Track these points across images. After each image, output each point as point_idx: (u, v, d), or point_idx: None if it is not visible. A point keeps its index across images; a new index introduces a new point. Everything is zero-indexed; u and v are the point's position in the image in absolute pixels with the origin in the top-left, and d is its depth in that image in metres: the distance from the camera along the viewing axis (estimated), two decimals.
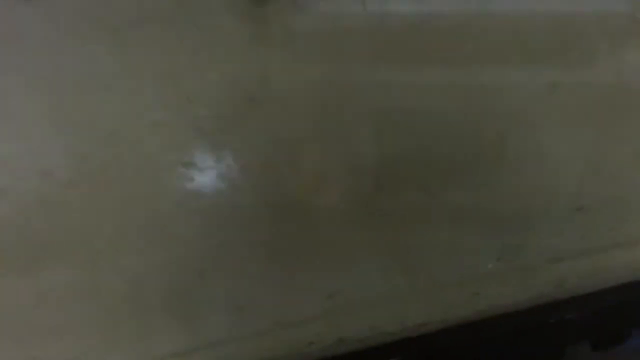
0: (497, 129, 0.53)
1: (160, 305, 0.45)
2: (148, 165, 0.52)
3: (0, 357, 0.46)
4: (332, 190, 0.50)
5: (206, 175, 0.52)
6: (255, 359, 0.46)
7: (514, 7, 0.63)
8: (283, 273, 0.47)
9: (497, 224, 0.46)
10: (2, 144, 0.49)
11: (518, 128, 0.54)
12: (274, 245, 0.47)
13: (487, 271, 0.42)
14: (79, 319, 0.44)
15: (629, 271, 0.48)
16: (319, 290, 0.43)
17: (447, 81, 0.58)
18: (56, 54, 0.60)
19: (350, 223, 0.49)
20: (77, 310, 0.44)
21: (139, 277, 0.44)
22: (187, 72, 0.59)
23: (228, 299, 0.44)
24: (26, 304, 0.45)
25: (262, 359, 0.46)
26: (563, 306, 0.44)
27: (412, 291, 0.43)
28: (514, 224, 0.46)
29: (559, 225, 0.46)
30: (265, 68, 0.58)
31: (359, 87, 0.59)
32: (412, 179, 0.51)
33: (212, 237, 0.47)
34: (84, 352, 0.46)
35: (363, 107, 0.57)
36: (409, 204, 0.48)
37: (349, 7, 0.64)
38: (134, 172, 0.51)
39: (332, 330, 0.45)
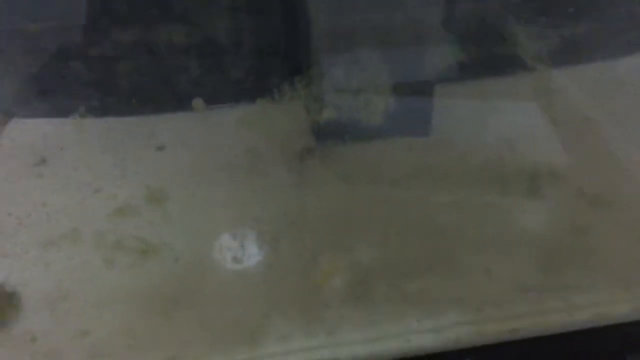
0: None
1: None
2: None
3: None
4: (337, 282, 0.88)
5: (260, 263, 0.90)
6: None
7: None
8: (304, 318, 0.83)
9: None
10: (159, 238, 0.89)
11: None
12: (300, 305, 0.84)
13: (413, 328, 0.78)
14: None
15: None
16: (323, 330, 0.80)
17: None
18: (179, 189, 1.00)
19: (346, 298, 0.85)
20: (189, 333, 0.81)
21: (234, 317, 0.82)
22: (253, 201, 0.98)
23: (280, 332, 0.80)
24: (162, 334, 0.81)
25: None
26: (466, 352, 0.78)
27: (377, 336, 0.79)
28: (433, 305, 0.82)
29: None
30: (302, 202, 0.97)
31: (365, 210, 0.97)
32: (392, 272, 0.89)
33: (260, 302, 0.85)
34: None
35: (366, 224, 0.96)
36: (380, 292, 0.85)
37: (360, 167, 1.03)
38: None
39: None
